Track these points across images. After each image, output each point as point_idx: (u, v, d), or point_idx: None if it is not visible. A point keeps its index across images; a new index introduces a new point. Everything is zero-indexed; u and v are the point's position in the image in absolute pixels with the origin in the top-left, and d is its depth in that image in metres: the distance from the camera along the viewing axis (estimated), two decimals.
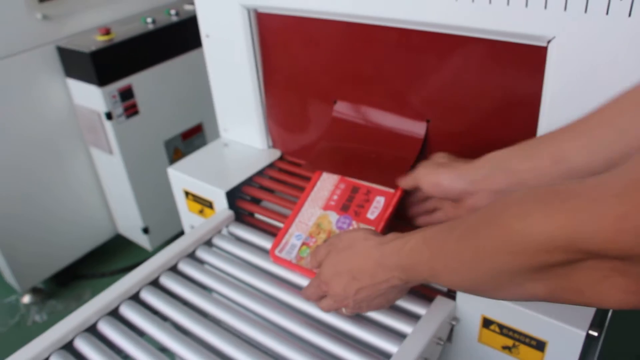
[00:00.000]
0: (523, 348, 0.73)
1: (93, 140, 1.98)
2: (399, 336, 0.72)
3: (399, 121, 0.89)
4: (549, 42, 0.69)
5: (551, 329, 0.68)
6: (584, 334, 0.66)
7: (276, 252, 0.82)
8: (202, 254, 0.91)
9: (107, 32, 1.80)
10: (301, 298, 0.77)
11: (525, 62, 0.73)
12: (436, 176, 0.71)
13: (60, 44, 1.82)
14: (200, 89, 2.11)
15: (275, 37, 0.96)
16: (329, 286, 0.66)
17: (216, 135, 2.22)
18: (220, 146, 1.11)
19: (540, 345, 0.71)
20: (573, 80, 0.69)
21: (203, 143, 2.20)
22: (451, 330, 0.78)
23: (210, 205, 1.00)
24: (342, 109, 0.94)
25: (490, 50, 0.75)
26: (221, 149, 1.10)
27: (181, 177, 1.03)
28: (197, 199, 1.02)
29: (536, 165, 0.60)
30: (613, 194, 0.32)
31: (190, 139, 2.13)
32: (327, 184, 0.87)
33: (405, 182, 0.78)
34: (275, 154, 1.06)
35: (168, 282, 0.85)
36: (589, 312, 0.68)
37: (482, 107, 0.81)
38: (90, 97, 1.83)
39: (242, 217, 0.99)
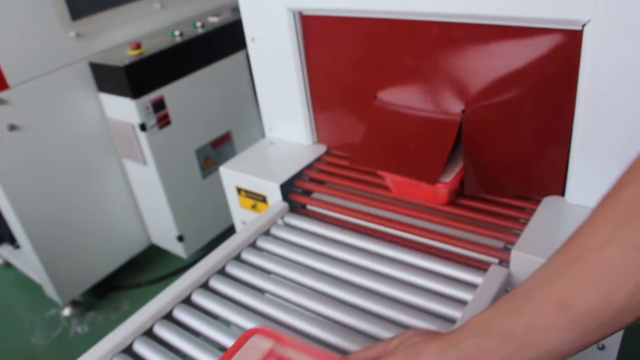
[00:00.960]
0: None
1: (126, 153, 2.04)
2: (460, 303, 0.78)
3: (435, 113, 0.94)
4: (583, 25, 0.74)
5: None
6: None
7: None
8: (262, 243, 0.96)
9: (138, 46, 1.87)
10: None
11: (560, 47, 0.78)
12: None
13: (93, 60, 1.90)
14: (227, 98, 2.18)
15: (318, 37, 1.02)
16: None
17: (245, 142, 2.28)
18: (267, 145, 1.17)
19: None
20: (611, 65, 0.73)
21: (232, 150, 2.26)
22: None
23: (263, 199, 1.06)
24: (382, 102, 0.99)
25: (525, 37, 0.80)
26: (268, 147, 1.16)
27: (233, 174, 1.09)
28: (250, 194, 1.08)
29: (534, 320, 0.46)
30: None
31: (219, 147, 2.19)
32: (250, 354, 0.62)
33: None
34: (321, 149, 1.12)
35: (234, 270, 0.91)
36: None
37: (517, 96, 0.85)
38: (124, 110, 1.90)
39: (295, 209, 1.04)
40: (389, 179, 0.95)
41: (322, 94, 1.08)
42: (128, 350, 0.78)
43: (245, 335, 0.63)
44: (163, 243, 2.32)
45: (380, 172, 0.95)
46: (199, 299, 0.85)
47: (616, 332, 0.44)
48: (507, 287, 0.81)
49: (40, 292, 2.27)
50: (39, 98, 1.82)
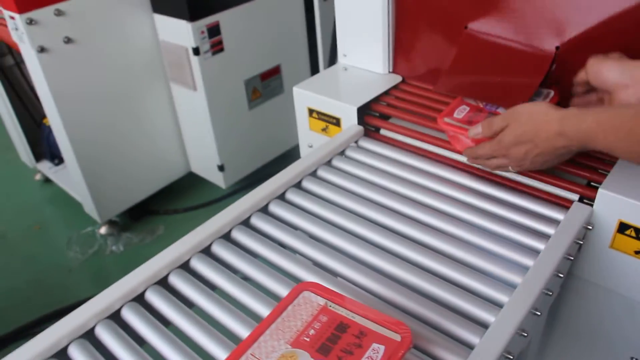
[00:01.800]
0: None
1: (176, 77, 2.04)
2: (543, 236, 0.78)
3: (527, 46, 0.93)
4: None
5: None
6: None
7: None
8: (337, 163, 0.97)
9: None
10: (464, 157, 0.90)
11: None
12: (600, 65, 0.78)
13: None
14: (280, 32, 2.16)
15: None
16: (509, 151, 0.79)
17: (293, 77, 2.27)
18: (340, 70, 1.16)
19: None
20: None
21: (280, 85, 2.25)
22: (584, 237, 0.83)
23: (337, 122, 1.05)
24: (474, 30, 0.98)
25: None
26: (341, 73, 1.15)
27: (308, 95, 1.08)
28: (322, 116, 1.07)
29: None
30: None
31: (268, 80, 2.19)
32: (302, 309, 0.62)
33: (579, 75, 0.83)
34: (397, 78, 1.11)
35: (310, 185, 0.91)
36: None
37: (613, 36, 0.84)
38: (178, 32, 1.89)
39: (369, 133, 1.04)
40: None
41: (407, 21, 1.06)
42: (163, 281, 0.75)
43: (298, 289, 0.63)
44: (202, 172, 2.34)
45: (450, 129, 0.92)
46: (259, 222, 0.85)
47: None
48: (587, 225, 0.80)
49: (77, 210, 2.31)
50: (95, 13, 1.82)
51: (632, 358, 0.88)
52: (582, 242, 0.79)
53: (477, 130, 0.83)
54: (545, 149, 0.75)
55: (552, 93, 0.90)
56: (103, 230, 2.26)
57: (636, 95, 0.72)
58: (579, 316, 0.92)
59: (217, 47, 1.93)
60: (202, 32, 1.86)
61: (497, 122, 0.80)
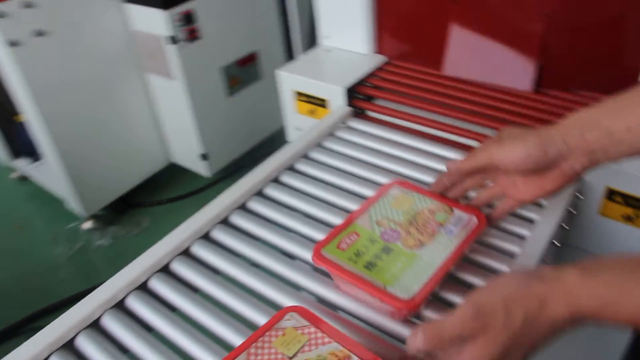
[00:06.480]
0: None
1: (152, 67, 2.02)
2: (538, 205, 0.80)
3: (518, 17, 0.94)
4: None
5: None
6: None
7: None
8: (328, 144, 0.97)
9: None
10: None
11: None
12: (522, 146, 0.61)
13: None
14: (256, 17, 2.15)
15: None
16: None
17: (270, 64, 2.27)
18: (323, 52, 1.17)
19: None
20: None
21: (258, 71, 2.25)
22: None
23: (323, 104, 1.06)
24: (463, 7, 0.98)
25: None
26: (324, 54, 1.16)
27: (293, 77, 1.09)
28: (310, 98, 1.08)
29: (633, 126, 0.54)
30: None
31: (246, 66, 2.18)
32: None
33: (473, 161, 0.66)
34: (381, 59, 1.12)
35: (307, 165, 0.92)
36: None
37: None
38: (152, 21, 1.87)
39: (357, 114, 1.05)
40: None
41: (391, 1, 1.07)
42: (165, 269, 0.75)
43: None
44: (185, 162, 2.33)
45: None
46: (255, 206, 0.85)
47: None
48: (579, 194, 0.82)
49: (58, 206, 2.29)
50: (65, 4, 1.80)
51: None
52: (575, 212, 0.81)
53: (417, 342, 0.50)
54: (550, 340, 0.49)
55: (474, 219, 0.69)
56: (88, 224, 2.25)
57: (578, 162, 0.59)
58: None
59: (193, 35, 1.92)
60: (177, 20, 1.85)
61: (451, 330, 0.49)
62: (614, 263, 0.48)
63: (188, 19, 1.88)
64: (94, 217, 2.24)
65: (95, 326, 0.67)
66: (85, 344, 0.65)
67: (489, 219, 0.69)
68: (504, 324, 0.48)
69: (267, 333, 0.56)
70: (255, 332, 0.57)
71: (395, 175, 0.88)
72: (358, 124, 1.01)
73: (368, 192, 0.85)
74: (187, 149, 2.23)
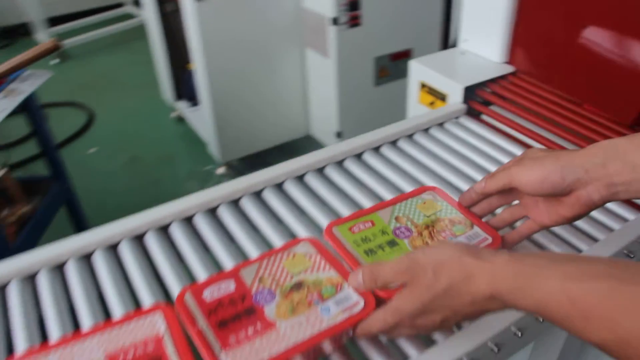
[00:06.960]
0: None
1: (312, 43, 2.19)
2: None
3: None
4: None
5: None
6: None
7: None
8: (435, 132, 1.05)
9: None
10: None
11: None
12: (540, 169, 0.60)
13: None
14: (418, 17, 2.24)
15: None
16: (416, 322, 0.55)
17: None
18: (457, 53, 1.23)
19: None
20: None
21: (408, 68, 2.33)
22: None
23: (443, 98, 1.13)
24: (594, 36, 1.01)
25: None
26: (458, 55, 1.23)
27: (422, 69, 1.17)
28: (432, 91, 1.16)
29: None
30: None
31: (397, 61, 2.28)
32: None
33: (495, 182, 0.65)
34: (509, 69, 1.17)
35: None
36: None
37: None
38: (321, 2, 2.03)
39: (471, 115, 1.11)
40: None
41: (532, 16, 1.11)
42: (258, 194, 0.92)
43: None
44: (320, 136, 2.48)
45: None
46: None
47: None
48: None
49: (202, 149, 2.55)
50: None
51: None
52: None
53: (357, 279, 0.59)
54: (471, 313, 0.53)
55: (489, 239, 0.69)
56: (221, 170, 2.49)
57: (596, 191, 0.57)
58: None
59: (354, 21, 2.05)
60: (343, 5, 1.99)
61: (385, 275, 0.57)
62: (552, 254, 0.50)
63: (353, 5, 2.02)
64: (229, 165, 2.47)
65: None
66: (127, 250, 0.77)
67: (504, 242, 0.68)
68: (428, 285, 0.52)
69: (280, 253, 0.67)
70: (271, 250, 0.69)
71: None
72: (469, 123, 1.07)
73: (456, 185, 0.91)
74: (325, 125, 2.38)
